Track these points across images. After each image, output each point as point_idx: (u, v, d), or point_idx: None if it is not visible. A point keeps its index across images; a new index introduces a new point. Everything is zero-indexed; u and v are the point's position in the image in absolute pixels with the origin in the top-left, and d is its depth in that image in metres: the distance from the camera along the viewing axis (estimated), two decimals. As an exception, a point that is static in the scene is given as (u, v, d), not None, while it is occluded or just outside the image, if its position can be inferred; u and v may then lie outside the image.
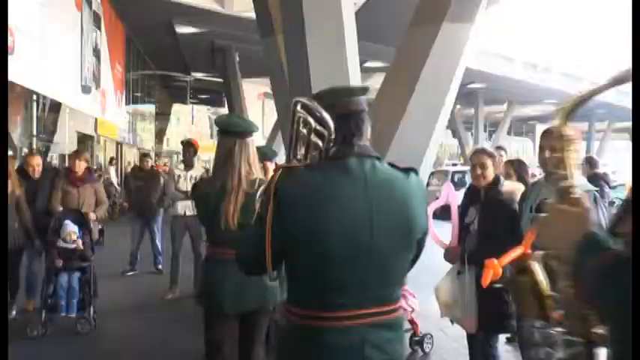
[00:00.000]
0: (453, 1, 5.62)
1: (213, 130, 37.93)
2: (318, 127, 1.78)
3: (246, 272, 1.97)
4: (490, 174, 3.68)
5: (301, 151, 1.82)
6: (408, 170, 1.84)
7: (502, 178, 3.83)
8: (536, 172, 6.96)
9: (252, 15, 8.31)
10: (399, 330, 1.86)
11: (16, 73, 10.14)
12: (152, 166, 9.09)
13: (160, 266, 8.30)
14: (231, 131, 3.03)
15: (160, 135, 34.99)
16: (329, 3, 5.00)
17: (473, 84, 27.02)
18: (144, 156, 9.46)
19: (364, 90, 1.87)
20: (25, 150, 13.08)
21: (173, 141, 34.33)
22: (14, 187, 5.64)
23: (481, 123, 32.18)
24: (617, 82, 1.33)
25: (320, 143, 1.79)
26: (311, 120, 1.78)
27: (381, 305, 1.75)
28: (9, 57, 9.58)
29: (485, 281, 2.72)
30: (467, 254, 3.59)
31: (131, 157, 25.95)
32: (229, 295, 2.93)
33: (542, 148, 3.27)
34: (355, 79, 5.01)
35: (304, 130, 1.80)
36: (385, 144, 5.41)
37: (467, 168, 12.71)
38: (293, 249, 1.72)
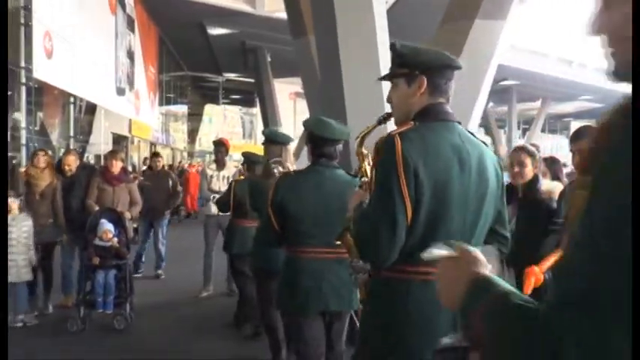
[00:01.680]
0: (484, -2, 5.58)
1: (245, 130, 38.23)
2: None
3: (264, 242, 3.42)
4: (528, 172, 3.62)
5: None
6: (355, 175, 2.90)
7: (541, 178, 3.77)
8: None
9: (283, 15, 8.38)
10: (344, 263, 2.79)
11: (54, 77, 10.42)
12: (163, 166, 8.67)
13: (159, 271, 7.89)
14: (278, 141, 4.22)
15: (192, 135, 35.41)
16: (360, 2, 5.00)
17: (506, 81, 26.67)
18: (154, 155, 8.89)
19: (346, 133, 3.16)
20: (63, 150, 13.40)
21: (205, 141, 34.68)
22: (51, 178, 5.85)
23: (514, 120, 31.75)
24: (380, 121, 2.13)
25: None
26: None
27: (334, 248, 2.77)
28: (48, 61, 9.85)
29: (527, 290, 2.70)
30: (504, 256, 3.55)
31: (164, 157, 26.34)
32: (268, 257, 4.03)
33: (572, 152, 3.22)
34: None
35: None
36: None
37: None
38: (285, 216, 3.04)
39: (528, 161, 3.62)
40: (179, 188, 8.27)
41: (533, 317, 0.86)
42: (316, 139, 3.10)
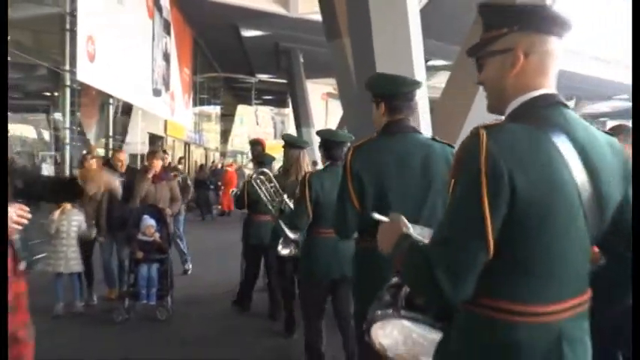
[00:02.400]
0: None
1: (277, 131, 38.51)
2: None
3: (296, 227, 4.05)
4: None
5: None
6: None
7: None
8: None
9: (317, 17, 8.52)
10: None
11: (96, 79, 10.75)
12: (169, 163, 8.64)
13: (187, 266, 8.12)
14: (298, 145, 4.91)
15: (225, 135, 35.81)
16: (395, 3, 5.11)
17: (539, 80, 26.22)
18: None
19: (349, 137, 3.95)
20: (99, 150, 13.78)
21: (237, 141, 35.07)
22: (107, 182, 6.12)
23: (548, 120, 31.11)
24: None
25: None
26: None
27: None
28: (91, 64, 10.19)
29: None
30: None
31: (197, 157, 26.79)
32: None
33: None
34: (421, 79, 5.12)
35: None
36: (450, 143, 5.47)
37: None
38: (315, 202, 3.81)
39: None
40: (189, 182, 8.36)
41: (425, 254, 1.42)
42: (326, 142, 3.88)
